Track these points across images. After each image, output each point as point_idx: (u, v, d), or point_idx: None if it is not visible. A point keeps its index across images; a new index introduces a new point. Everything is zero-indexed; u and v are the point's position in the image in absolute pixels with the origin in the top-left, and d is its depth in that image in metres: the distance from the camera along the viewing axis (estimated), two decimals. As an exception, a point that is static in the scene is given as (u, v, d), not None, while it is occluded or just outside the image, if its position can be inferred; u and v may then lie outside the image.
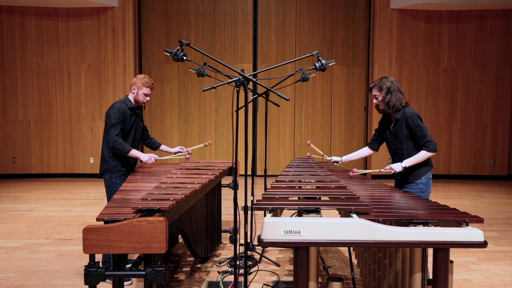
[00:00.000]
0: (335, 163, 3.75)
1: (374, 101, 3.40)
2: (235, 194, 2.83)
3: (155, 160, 3.73)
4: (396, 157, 3.40)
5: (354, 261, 3.65)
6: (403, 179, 3.38)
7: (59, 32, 8.33)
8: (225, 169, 4.06)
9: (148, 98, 3.78)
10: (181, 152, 4.11)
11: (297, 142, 8.86)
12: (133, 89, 3.73)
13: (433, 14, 8.47)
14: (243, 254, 3.00)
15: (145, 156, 3.68)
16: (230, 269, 3.79)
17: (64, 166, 8.52)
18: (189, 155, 3.97)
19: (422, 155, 3.23)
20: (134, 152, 3.63)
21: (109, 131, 3.60)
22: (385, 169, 3.35)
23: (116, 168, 3.68)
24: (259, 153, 8.30)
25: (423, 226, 2.17)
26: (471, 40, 8.53)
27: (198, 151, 8.80)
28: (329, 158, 3.76)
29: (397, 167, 3.27)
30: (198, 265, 3.97)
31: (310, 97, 8.80)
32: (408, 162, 3.26)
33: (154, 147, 4.10)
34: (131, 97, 3.76)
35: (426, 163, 3.30)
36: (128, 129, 3.73)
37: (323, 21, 8.70)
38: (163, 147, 4.12)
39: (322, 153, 3.80)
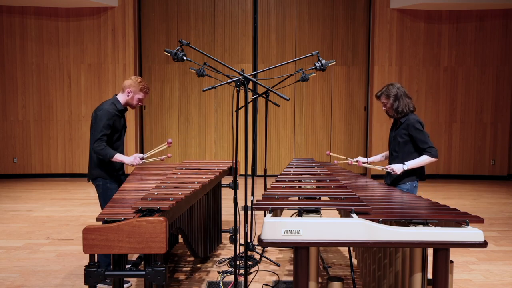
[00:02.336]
0: (363, 164, 3.74)
1: (383, 108, 3.50)
2: (235, 194, 2.83)
3: (140, 159, 3.49)
4: (391, 158, 3.52)
5: (354, 261, 3.65)
6: (390, 182, 3.48)
7: (59, 32, 8.33)
8: (225, 169, 4.06)
9: (141, 103, 3.61)
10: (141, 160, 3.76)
11: (297, 142, 8.86)
12: (128, 92, 3.52)
13: (433, 14, 8.47)
14: (243, 254, 3.00)
15: (129, 159, 3.45)
16: (230, 269, 3.79)
17: (64, 166, 8.52)
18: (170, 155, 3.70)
19: (424, 159, 3.32)
20: (118, 157, 3.40)
21: (95, 134, 3.38)
22: (385, 168, 3.42)
23: (108, 173, 3.48)
24: (259, 153, 8.30)
25: (423, 226, 2.17)
26: (471, 40, 8.53)
27: (197, 151, 8.80)
28: (354, 160, 3.77)
29: (398, 168, 3.34)
30: (198, 265, 3.97)
31: (310, 97, 8.80)
32: (410, 164, 3.33)
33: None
34: (121, 98, 3.55)
35: (414, 172, 3.39)
36: (119, 132, 3.55)
37: (323, 21, 8.70)
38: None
39: (345, 158, 3.87)
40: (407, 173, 3.37)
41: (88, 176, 3.59)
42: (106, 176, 3.48)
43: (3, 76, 8.33)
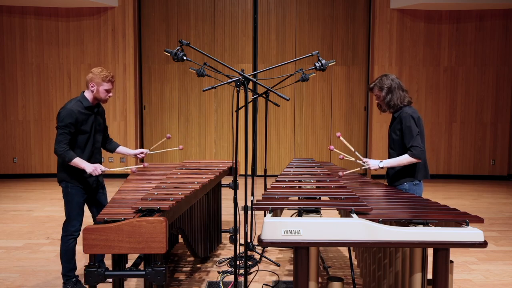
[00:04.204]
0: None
1: (377, 100, 3.31)
2: (235, 194, 2.83)
3: (102, 171, 3.19)
4: (388, 157, 3.33)
5: (354, 261, 3.65)
6: (389, 182, 3.34)
7: (59, 32, 8.33)
8: (225, 169, 4.06)
9: (110, 94, 3.30)
10: (142, 153, 3.62)
11: (297, 142, 8.86)
12: (92, 86, 3.24)
13: (433, 14, 8.46)
14: (243, 254, 3.00)
15: (90, 167, 3.15)
16: (230, 269, 3.79)
17: (64, 166, 8.51)
18: (136, 168, 3.52)
19: (404, 158, 3.11)
20: (77, 161, 3.14)
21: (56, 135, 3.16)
22: (362, 163, 3.23)
23: (71, 176, 3.24)
24: (259, 153, 8.29)
25: (423, 226, 2.17)
26: (471, 40, 8.53)
27: (197, 151, 8.80)
28: (364, 163, 3.25)
29: (374, 164, 3.17)
30: (198, 265, 3.97)
31: (310, 97, 8.80)
32: (387, 162, 3.15)
33: (110, 149, 3.62)
34: (88, 94, 3.27)
35: (412, 171, 3.17)
36: (88, 132, 3.27)
37: (323, 21, 8.69)
38: (121, 148, 3.64)
39: (354, 150, 3.33)
40: (404, 173, 3.19)
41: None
42: (69, 179, 3.26)
43: (3, 76, 8.33)
